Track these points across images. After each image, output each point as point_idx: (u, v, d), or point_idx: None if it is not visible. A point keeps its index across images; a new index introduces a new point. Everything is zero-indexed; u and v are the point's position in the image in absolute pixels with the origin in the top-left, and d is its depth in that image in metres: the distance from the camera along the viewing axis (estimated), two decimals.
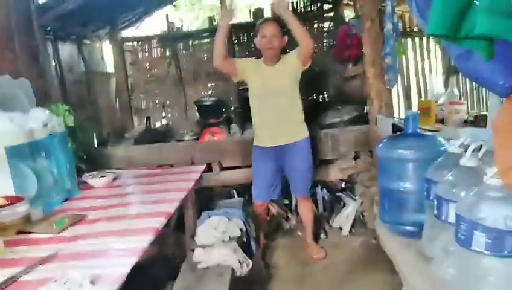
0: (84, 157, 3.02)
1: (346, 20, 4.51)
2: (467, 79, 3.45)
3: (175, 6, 6.11)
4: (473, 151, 1.43)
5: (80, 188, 2.57)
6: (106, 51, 5.11)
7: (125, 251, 1.57)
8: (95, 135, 4.27)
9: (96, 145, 4.12)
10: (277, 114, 2.84)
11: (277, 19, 2.80)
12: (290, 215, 3.69)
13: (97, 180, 2.67)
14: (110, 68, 5.11)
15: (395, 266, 1.78)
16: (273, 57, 2.81)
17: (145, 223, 1.86)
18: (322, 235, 3.43)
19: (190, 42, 5.08)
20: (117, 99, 5.08)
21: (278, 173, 2.98)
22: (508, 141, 0.98)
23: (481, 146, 1.47)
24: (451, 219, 1.38)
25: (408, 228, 1.87)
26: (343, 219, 3.50)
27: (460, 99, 2.71)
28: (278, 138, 2.88)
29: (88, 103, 4.43)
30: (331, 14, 4.83)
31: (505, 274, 1.15)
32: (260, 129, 2.93)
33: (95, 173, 2.82)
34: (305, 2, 4.96)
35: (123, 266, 1.44)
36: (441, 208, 1.46)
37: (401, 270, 1.72)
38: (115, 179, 2.79)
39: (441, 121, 2.64)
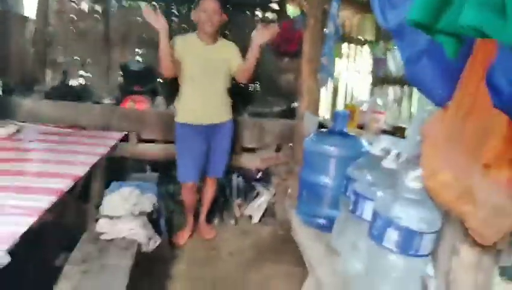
0: None
1: (290, 16, 4.56)
2: (390, 91, 3.69)
3: None
4: (394, 156, 1.51)
5: None
6: None
7: (23, 209, 1.40)
8: (0, 81, 3.78)
9: (0, 93, 3.64)
10: (211, 92, 2.79)
11: None
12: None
13: None
14: (30, 12, 4.54)
15: (304, 256, 1.83)
16: (211, 34, 2.74)
17: (48, 183, 1.68)
18: (232, 222, 3.44)
19: (125, 2, 4.73)
20: (32, 46, 4.54)
21: (204, 152, 2.90)
22: (437, 147, 1.04)
23: (400, 153, 1.56)
24: (366, 215, 1.45)
25: (321, 221, 1.94)
26: (255, 207, 3.54)
27: (381, 109, 2.87)
28: (210, 116, 2.83)
29: None
30: (276, 6, 4.84)
31: (407, 272, 1.23)
32: (190, 106, 2.82)
33: None
34: None
35: (18, 225, 1.28)
36: (357, 204, 1.52)
37: (309, 261, 1.77)
38: (17, 131, 2.50)
39: (361, 127, 2.79)
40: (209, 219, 3.32)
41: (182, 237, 3.03)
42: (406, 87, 3.33)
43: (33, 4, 4.49)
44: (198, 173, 2.91)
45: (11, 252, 1.16)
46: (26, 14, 4.51)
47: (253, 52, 2.66)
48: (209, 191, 3.14)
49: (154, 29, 2.55)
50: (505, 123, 0.87)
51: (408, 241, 1.18)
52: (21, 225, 1.29)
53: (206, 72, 2.75)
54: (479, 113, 0.92)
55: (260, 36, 2.63)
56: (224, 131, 2.92)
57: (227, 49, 2.83)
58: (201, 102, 2.80)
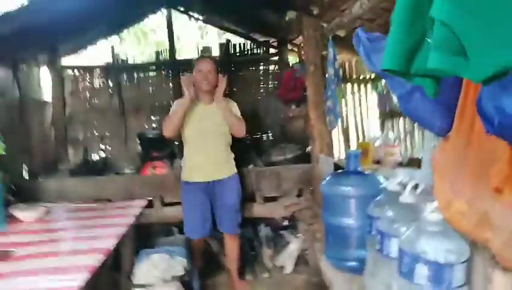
0: (13, 188, 2.78)
1: (290, 64, 4.74)
2: (400, 124, 3.73)
3: (120, 38, 6.05)
4: (411, 188, 1.53)
5: (7, 221, 2.35)
6: (44, 78, 4.86)
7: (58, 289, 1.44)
8: (25, 165, 3.97)
9: (26, 177, 3.82)
10: (210, 150, 2.87)
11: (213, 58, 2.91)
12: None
13: (27, 214, 2.47)
14: (48, 96, 4.85)
15: None
16: (208, 93, 2.87)
17: (80, 261, 1.74)
18: (265, 274, 3.39)
19: (135, 74, 5.02)
20: (52, 128, 4.80)
21: (209, 208, 2.95)
22: (444, 176, 1.07)
23: (417, 185, 1.58)
24: (394, 253, 1.44)
25: (351, 263, 1.92)
26: (286, 256, 3.49)
27: (394, 142, 2.90)
28: (210, 173, 2.89)
29: (20, 131, 4.14)
30: (276, 58, 5.06)
31: None
32: (192, 165, 2.92)
33: (24, 205, 2.61)
34: (251, 45, 5.16)
35: None
36: (383, 243, 1.52)
37: None
38: (46, 213, 2.60)
39: (378, 162, 2.80)
40: (241, 274, 3.27)
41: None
42: None
43: (49, 89, 4.79)
44: (203, 229, 2.94)
45: None
46: (44, 98, 4.82)
47: (223, 113, 2.80)
48: (231, 248, 3.12)
49: (183, 93, 2.75)
50: (507, 146, 0.90)
51: (439, 275, 1.18)
52: None
53: (204, 131, 2.85)
54: (479, 139, 0.95)
55: (219, 103, 2.79)
56: (229, 186, 2.94)
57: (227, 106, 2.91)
58: (202, 160, 2.88)
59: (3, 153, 2.48)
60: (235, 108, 2.96)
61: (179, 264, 2.23)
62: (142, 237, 3.38)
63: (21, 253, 1.85)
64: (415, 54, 0.79)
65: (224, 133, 2.91)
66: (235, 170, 3.01)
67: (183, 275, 2.23)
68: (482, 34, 0.62)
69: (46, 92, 4.84)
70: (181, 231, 3.62)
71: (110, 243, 1.97)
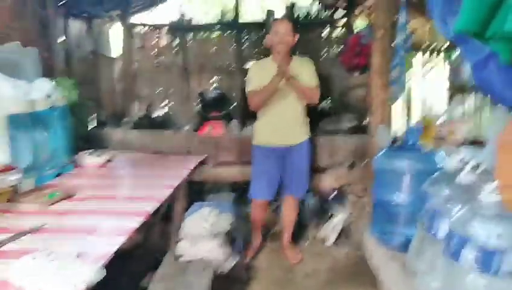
0: (82, 135, 2.99)
1: (357, 29, 4.52)
2: (470, 100, 3.45)
3: None
4: (471, 168, 1.43)
5: (74, 165, 2.56)
6: (115, 33, 5.08)
7: (114, 230, 1.56)
8: (94, 115, 4.25)
9: (94, 125, 4.09)
10: (287, 114, 2.84)
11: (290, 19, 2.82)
12: (278, 220, 3.66)
13: (92, 159, 2.67)
14: (117, 51, 5.08)
15: (379, 276, 1.78)
16: (284, 54, 2.81)
17: (136, 206, 1.85)
18: (307, 244, 3.41)
19: (200, 34, 5.07)
20: (120, 82, 5.05)
21: (279, 173, 2.96)
22: (510, 157, 0.98)
23: (478, 164, 1.47)
24: (442, 233, 1.38)
25: (396, 240, 1.87)
26: (330, 228, 3.48)
27: (461, 119, 2.71)
28: (285, 137, 2.87)
29: (91, 82, 4.41)
30: (343, 21, 4.83)
31: None
32: (267, 129, 2.90)
33: (90, 151, 2.81)
34: (317, 7, 4.96)
35: (110, 245, 1.43)
36: (433, 222, 1.46)
37: (384, 282, 1.72)
38: (109, 160, 2.79)
39: (441, 139, 2.64)
40: (295, 242, 3.30)
41: (248, 255, 3.03)
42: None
43: (119, 45, 5.01)
44: (270, 192, 2.96)
45: (106, 268, 1.31)
46: (114, 54, 5.05)
47: (292, 85, 2.74)
48: (290, 213, 3.12)
49: (277, 72, 2.68)
50: None
51: (487, 260, 1.11)
52: (114, 244, 1.44)
53: (281, 93, 2.79)
54: None
55: (280, 76, 2.68)
56: (302, 151, 2.92)
57: (300, 66, 2.86)
58: (277, 125, 2.86)
59: (76, 100, 2.66)
60: (310, 68, 2.88)
61: (226, 220, 2.31)
62: (195, 193, 3.53)
63: (83, 194, 2.01)
64: (493, 16, 0.72)
65: (299, 96, 2.86)
66: (309, 135, 2.97)
67: (229, 231, 2.31)
68: None
69: (116, 48, 5.07)
70: (232, 191, 3.73)
71: (164, 193, 2.08)
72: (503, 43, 0.74)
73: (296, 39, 2.85)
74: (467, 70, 3.10)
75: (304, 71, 2.85)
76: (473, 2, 0.73)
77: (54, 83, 2.43)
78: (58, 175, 2.32)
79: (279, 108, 2.83)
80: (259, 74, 2.85)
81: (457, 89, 3.34)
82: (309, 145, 2.98)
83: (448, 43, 3.89)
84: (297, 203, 3.12)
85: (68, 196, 1.93)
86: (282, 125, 2.86)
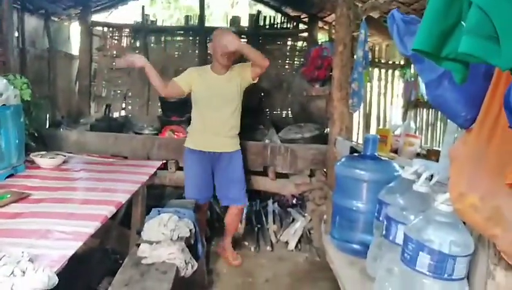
0: (36, 135, 2.86)
1: (319, 42, 4.65)
2: (423, 115, 3.66)
3: (151, 0, 6.02)
4: (425, 179, 1.51)
5: (26, 166, 2.44)
6: (74, 32, 4.91)
7: (70, 234, 1.51)
8: (48, 115, 4.07)
9: (48, 126, 3.92)
10: (217, 122, 2.89)
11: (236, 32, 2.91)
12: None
13: (45, 161, 2.56)
14: (75, 50, 4.91)
15: (339, 282, 1.83)
16: (226, 66, 2.87)
17: (92, 210, 1.80)
18: (268, 248, 3.45)
19: (163, 37, 5.01)
20: (77, 82, 4.88)
21: (210, 177, 3.01)
22: (462, 169, 1.05)
23: (432, 175, 1.56)
24: (399, 239, 1.44)
25: (355, 246, 1.93)
26: (291, 233, 3.54)
27: (415, 133, 2.84)
28: (213, 145, 2.92)
29: (46, 81, 4.24)
30: (305, 34, 4.96)
31: None
32: (196, 133, 2.97)
33: (44, 152, 2.70)
34: (282, 19, 5.07)
35: (65, 249, 1.38)
36: (390, 229, 1.52)
37: (343, 287, 1.77)
38: (64, 162, 2.68)
39: (395, 151, 2.76)
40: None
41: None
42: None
43: (77, 43, 4.85)
44: (203, 195, 3.00)
45: (59, 274, 1.25)
46: (73, 52, 4.89)
47: (243, 50, 2.78)
48: (229, 220, 3.16)
49: (139, 67, 2.86)
50: None
51: (441, 265, 1.18)
52: (69, 248, 1.39)
53: (213, 102, 2.85)
54: (503, 134, 0.93)
55: (230, 43, 2.69)
56: (230, 161, 2.97)
57: (237, 72, 2.92)
58: (206, 130, 2.91)
59: (29, 99, 2.55)
60: (244, 64, 2.95)
61: (185, 226, 2.27)
62: (154, 197, 3.46)
63: (36, 196, 1.92)
64: (448, 37, 0.77)
65: (234, 103, 2.91)
66: (239, 147, 3.03)
67: (188, 237, 2.28)
68: None
69: (74, 47, 4.91)
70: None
71: (122, 197, 2.03)
72: (457, 64, 0.80)
73: (239, 54, 2.87)
74: (422, 86, 3.28)
75: (240, 68, 2.93)
76: (429, 24, 0.78)
77: (6, 80, 2.31)
78: (9, 176, 2.20)
79: (209, 114, 2.89)
80: (192, 75, 2.90)
81: (411, 104, 3.53)
82: (239, 157, 3.03)
83: (403, 61, 4.11)
84: (238, 211, 3.15)
85: (20, 198, 1.84)
86: (209, 131, 2.91)
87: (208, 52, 2.99)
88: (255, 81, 2.96)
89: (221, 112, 2.87)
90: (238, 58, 2.94)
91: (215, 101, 2.86)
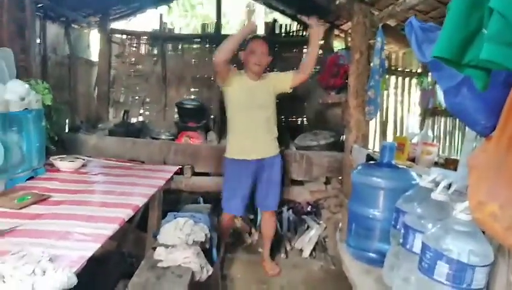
0: (56, 139, 2.93)
1: (335, 50, 4.65)
2: (440, 123, 3.62)
3: (170, 7, 6.11)
4: (443, 187, 1.49)
5: (47, 169, 2.49)
6: (93, 39, 5.02)
7: (88, 235, 1.53)
8: (68, 119, 4.16)
9: (68, 130, 4.01)
10: (258, 128, 2.87)
11: (268, 38, 2.93)
12: (253, 230, 3.68)
13: (65, 164, 2.61)
14: (95, 57, 5.02)
15: None
16: (258, 73, 2.87)
17: (110, 213, 1.82)
18: (283, 255, 3.44)
19: (180, 45, 5.08)
20: (96, 88, 4.98)
21: (251, 187, 2.97)
22: (481, 178, 1.04)
23: (450, 184, 1.54)
24: (416, 248, 1.42)
25: (371, 254, 1.91)
26: (306, 241, 3.52)
27: (433, 141, 2.81)
28: (257, 151, 2.89)
29: (67, 87, 4.34)
30: (322, 42, 4.96)
31: None
32: (238, 142, 2.91)
33: (63, 156, 2.75)
34: (298, 26, 5.08)
35: (84, 250, 1.41)
36: (407, 237, 1.51)
37: None
38: (83, 165, 2.73)
39: (413, 160, 2.73)
40: (273, 255, 3.32)
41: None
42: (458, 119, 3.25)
43: (97, 50, 4.96)
44: (241, 207, 2.98)
45: (78, 275, 1.28)
46: (92, 59, 4.99)
47: (314, 44, 2.83)
48: (267, 226, 3.14)
49: (245, 28, 2.78)
50: None
51: (460, 275, 1.16)
52: (87, 249, 1.41)
53: (252, 107, 2.84)
54: None
55: (317, 32, 2.81)
56: (273, 166, 2.94)
57: (270, 79, 2.94)
58: (248, 138, 2.88)
59: (50, 104, 2.61)
60: (279, 73, 3.00)
61: (201, 231, 2.29)
62: (170, 202, 3.49)
63: (56, 198, 1.96)
64: (468, 44, 0.77)
65: (270, 109, 2.91)
66: (278, 150, 3.01)
67: (203, 242, 2.30)
68: None
69: (94, 54, 5.02)
70: (206, 201, 3.72)
71: (139, 201, 2.06)
72: (478, 71, 0.80)
73: (270, 60, 2.93)
74: (439, 94, 3.25)
75: (276, 77, 2.98)
76: (450, 31, 0.79)
77: (28, 85, 2.38)
78: (30, 178, 2.26)
79: (248, 121, 2.87)
80: (234, 74, 2.87)
81: (429, 112, 3.49)
82: (280, 160, 3.01)
83: (421, 68, 4.07)
84: (274, 218, 3.15)
85: (40, 200, 1.88)
86: (251, 138, 2.88)
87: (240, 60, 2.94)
88: (290, 91, 2.98)
89: (260, 117, 2.86)
90: (266, 67, 2.95)
91: (253, 106, 2.84)
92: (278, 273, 3.12)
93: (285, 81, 2.90)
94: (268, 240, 3.18)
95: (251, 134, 2.87)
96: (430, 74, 3.60)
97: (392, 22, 3.22)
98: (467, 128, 1.56)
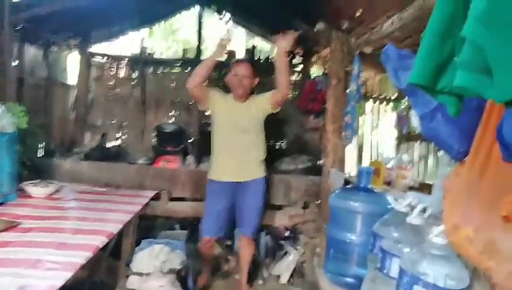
0: (28, 163, 2.84)
1: (312, 76, 4.75)
2: (415, 148, 3.71)
3: (151, 30, 6.16)
4: (419, 211, 1.51)
5: (18, 195, 2.41)
6: (72, 62, 4.99)
7: (60, 264, 1.48)
8: (43, 143, 4.07)
9: (42, 154, 3.90)
10: (240, 150, 2.84)
11: (251, 61, 2.92)
12: (230, 257, 3.61)
13: (37, 189, 2.54)
14: (71, 80, 4.97)
15: None
16: (242, 96, 2.87)
17: (83, 240, 1.77)
18: (260, 281, 3.38)
19: (160, 69, 5.09)
20: (74, 111, 4.90)
21: (230, 209, 2.91)
22: (455, 201, 1.06)
23: (425, 208, 1.56)
24: (393, 273, 1.43)
25: (349, 279, 1.91)
26: (283, 267, 3.47)
27: (408, 165, 2.87)
28: (238, 173, 2.85)
29: (43, 110, 4.26)
30: (300, 67, 5.07)
31: None
32: (220, 163, 2.89)
33: (36, 181, 2.67)
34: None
35: (55, 279, 1.35)
36: (384, 262, 1.51)
37: None
38: (56, 191, 2.66)
39: (388, 184, 2.77)
40: (250, 281, 3.22)
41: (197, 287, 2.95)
42: (432, 144, 3.34)
43: (75, 73, 4.91)
44: (217, 229, 2.91)
45: None
46: (69, 82, 4.94)
47: (281, 59, 2.67)
48: (244, 251, 3.06)
49: (215, 55, 2.70)
50: None
51: None
52: (58, 279, 1.36)
53: (236, 129, 2.82)
54: (495, 167, 0.95)
55: (283, 43, 2.64)
56: (254, 189, 2.88)
57: (257, 101, 2.91)
58: (230, 160, 2.84)
59: (26, 126, 2.55)
60: (263, 94, 2.91)
61: (177, 258, 2.24)
62: (146, 228, 3.42)
63: (27, 225, 1.89)
64: (442, 72, 0.80)
65: (255, 131, 2.88)
66: (264, 173, 2.93)
67: (180, 270, 2.24)
68: (509, 54, 0.63)
69: (72, 76, 4.97)
70: (182, 227, 3.66)
71: (114, 228, 2.00)
72: (451, 97, 0.83)
73: (256, 82, 2.91)
74: (414, 120, 3.34)
75: (260, 97, 2.92)
76: (424, 58, 0.82)
77: (3, 108, 2.32)
78: (0, 204, 2.18)
79: (232, 142, 2.84)
80: (217, 95, 2.88)
81: (404, 137, 3.58)
82: (263, 184, 2.93)
83: (396, 94, 4.19)
84: (252, 243, 3.08)
85: (11, 226, 1.81)
86: (233, 160, 2.84)
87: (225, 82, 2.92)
88: (275, 111, 2.92)
89: (238, 139, 2.82)
90: (252, 90, 2.94)
91: (236, 129, 2.82)
92: None
93: (264, 100, 2.88)
94: (246, 266, 3.12)
95: (228, 156, 2.85)
96: (405, 99, 3.71)
97: (368, 49, 3.32)
98: (441, 153, 1.60)
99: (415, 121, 3.32)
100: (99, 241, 1.78)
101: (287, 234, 3.85)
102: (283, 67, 2.69)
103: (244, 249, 3.07)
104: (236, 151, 2.83)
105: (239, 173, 2.86)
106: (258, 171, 2.91)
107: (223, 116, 2.84)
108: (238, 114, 2.84)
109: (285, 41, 2.63)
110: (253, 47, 5.18)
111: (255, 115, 2.87)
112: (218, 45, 2.72)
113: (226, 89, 2.98)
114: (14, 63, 3.56)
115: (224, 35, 2.75)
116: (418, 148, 3.66)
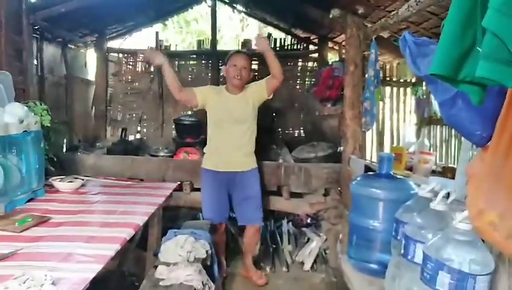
0: (55, 159, 2.93)
1: (329, 62, 4.71)
2: (436, 132, 3.65)
3: (165, 25, 6.19)
4: (442, 197, 1.50)
5: (46, 190, 2.49)
6: (90, 58, 5.07)
7: (90, 257, 1.53)
8: (66, 139, 4.17)
9: (66, 150, 4.01)
10: (231, 142, 2.92)
11: (248, 54, 3.06)
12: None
13: (64, 184, 2.61)
14: (91, 76, 5.06)
15: None
16: (238, 87, 2.92)
17: (111, 232, 1.82)
18: (284, 269, 3.42)
19: (176, 62, 5.12)
20: (93, 107, 5.00)
21: (227, 196, 3.03)
22: (480, 187, 1.05)
23: (449, 193, 1.55)
24: (418, 259, 1.43)
25: (372, 266, 1.91)
26: (306, 254, 3.51)
27: (429, 150, 2.84)
28: (231, 164, 2.94)
29: (64, 107, 4.36)
30: (316, 55, 5.03)
31: None
32: (211, 153, 3.00)
33: (62, 177, 2.76)
34: (292, 40, 5.15)
35: (87, 272, 1.41)
36: (408, 248, 1.51)
37: None
38: (82, 185, 2.73)
39: (410, 169, 2.75)
40: (259, 267, 3.33)
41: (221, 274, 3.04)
42: None
43: (94, 70, 5.00)
44: (220, 215, 3.02)
45: None
46: (89, 78, 5.03)
47: (268, 54, 2.79)
48: (248, 241, 3.17)
49: (157, 64, 2.91)
50: None
51: (461, 284, 1.16)
52: (90, 271, 1.41)
53: (229, 121, 2.91)
54: None
55: (264, 45, 2.80)
56: (248, 179, 2.99)
57: (251, 89, 2.97)
58: (221, 150, 2.95)
59: (49, 125, 2.62)
60: (258, 82, 3.01)
61: (202, 247, 2.28)
62: (169, 219, 3.48)
63: (56, 220, 1.96)
64: (463, 61, 0.80)
65: (247, 123, 2.95)
66: (256, 165, 3.04)
67: (205, 259, 2.29)
68: None
69: (91, 73, 5.06)
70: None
71: (140, 220, 2.06)
72: (474, 87, 0.82)
73: (251, 75, 2.99)
74: (433, 104, 3.28)
75: (255, 86, 2.99)
76: (445, 48, 0.81)
77: (27, 107, 2.40)
78: (30, 200, 2.26)
79: (225, 134, 2.93)
80: (208, 92, 2.98)
81: (424, 121, 3.52)
82: (256, 175, 3.05)
83: (415, 79, 4.12)
84: (255, 231, 3.15)
85: (41, 222, 1.88)
86: (226, 151, 2.94)
87: (222, 74, 3.03)
88: (270, 97, 3.00)
89: (235, 131, 2.92)
90: (250, 80, 3.00)
91: (230, 121, 2.91)
92: (265, 283, 3.12)
93: (261, 88, 2.95)
94: (248, 253, 3.20)
95: (223, 148, 2.94)
96: (424, 83, 3.65)
97: (385, 34, 3.28)
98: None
99: (435, 105, 3.27)
100: (127, 233, 1.83)
101: (309, 221, 3.88)
102: (272, 59, 2.80)
103: (253, 237, 3.15)
104: (226, 144, 2.93)
105: (231, 164, 2.95)
106: (248, 163, 3.01)
107: (217, 109, 2.93)
108: (232, 106, 2.91)
109: (265, 44, 2.81)
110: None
111: (250, 105, 2.94)
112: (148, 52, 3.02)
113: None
114: (34, 63, 3.65)
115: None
116: (439, 132, 3.61)
